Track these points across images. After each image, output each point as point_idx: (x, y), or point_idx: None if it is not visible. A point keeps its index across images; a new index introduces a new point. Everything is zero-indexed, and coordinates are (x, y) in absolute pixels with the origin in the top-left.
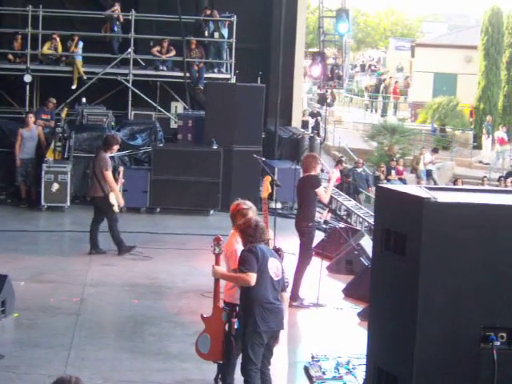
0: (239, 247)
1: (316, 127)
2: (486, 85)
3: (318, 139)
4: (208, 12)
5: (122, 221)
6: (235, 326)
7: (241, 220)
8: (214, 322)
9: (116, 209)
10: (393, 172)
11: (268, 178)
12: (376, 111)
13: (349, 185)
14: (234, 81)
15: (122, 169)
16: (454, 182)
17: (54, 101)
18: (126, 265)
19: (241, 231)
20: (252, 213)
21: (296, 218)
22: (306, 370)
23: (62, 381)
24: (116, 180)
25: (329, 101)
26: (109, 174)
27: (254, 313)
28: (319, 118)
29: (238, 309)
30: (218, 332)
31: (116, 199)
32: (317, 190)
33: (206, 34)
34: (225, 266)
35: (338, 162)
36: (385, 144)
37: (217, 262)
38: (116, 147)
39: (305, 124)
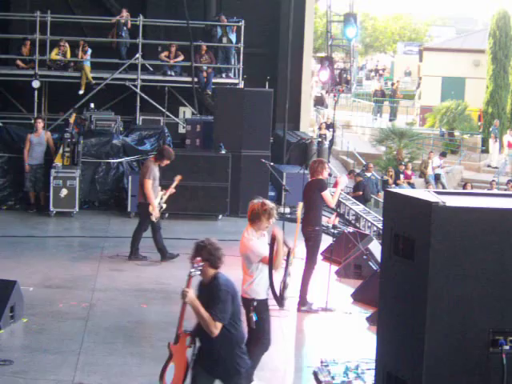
0: (254, 242)
1: (332, 140)
2: (494, 89)
3: (326, 144)
4: (222, 18)
5: (131, 226)
6: (254, 319)
7: (266, 219)
8: (180, 349)
9: (154, 218)
10: (401, 176)
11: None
12: (381, 116)
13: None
14: (242, 86)
15: (178, 178)
16: (464, 187)
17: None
18: (135, 270)
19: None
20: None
21: (302, 222)
22: (315, 374)
23: None
24: (167, 188)
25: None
26: (148, 183)
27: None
28: (331, 129)
29: (255, 303)
30: (182, 360)
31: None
32: (323, 194)
33: (214, 39)
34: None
35: (351, 172)
36: (393, 148)
37: (188, 285)
38: (166, 162)
39: (322, 137)
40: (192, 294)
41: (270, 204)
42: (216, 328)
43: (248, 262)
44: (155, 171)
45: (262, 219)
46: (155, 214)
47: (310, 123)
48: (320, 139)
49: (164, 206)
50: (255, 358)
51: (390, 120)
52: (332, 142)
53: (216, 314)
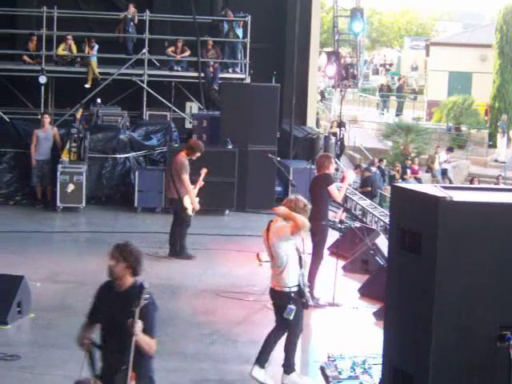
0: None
1: (342, 139)
2: (501, 83)
3: (333, 139)
4: (228, 12)
5: (138, 221)
6: (292, 310)
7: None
8: None
9: (189, 212)
10: (408, 171)
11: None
12: (388, 110)
13: (367, 193)
14: (248, 81)
15: (204, 171)
16: (471, 181)
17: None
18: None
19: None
20: None
21: (309, 217)
22: (322, 369)
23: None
24: (195, 182)
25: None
26: (186, 178)
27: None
28: (344, 129)
29: (292, 294)
30: None
31: (190, 203)
32: (329, 188)
33: (222, 33)
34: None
35: (357, 166)
36: (400, 143)
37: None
38: (198, 154)
39: (333, 135)
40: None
41: (307, 203)
42: (154, 347)
43: (278, 250)
44: (188, 166)
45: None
46: (195, 206)
47: (316, 118)
48: (327, 134)
49: (197, 199)
50: (294, 347)
51: (397, 115)
52: (343, 141)
53: (154, 334)
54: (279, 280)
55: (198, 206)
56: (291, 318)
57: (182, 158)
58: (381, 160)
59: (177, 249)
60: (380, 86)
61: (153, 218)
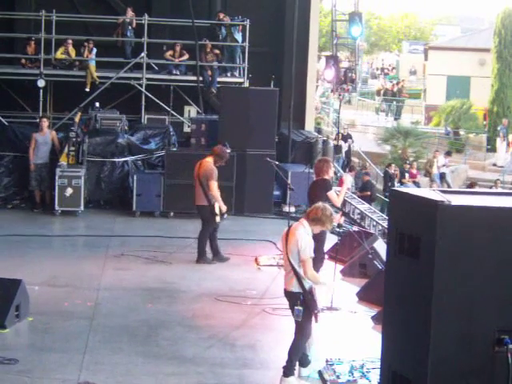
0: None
1: (348, 153)
2: (500, 87)
3: (332, 143)
4: (221, 16)
5: (136, 225)
6: (300, 312)
7: (329, 224)
8: None
9: (218, 219)
10: (406, 175)
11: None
12: (387, 115)
13: (367, 197)
14: (247, 85)
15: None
16: (470, 186)
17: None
18: (140, 269)
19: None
20: None
21: None
22: (320, 373)
23: None
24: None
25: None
26: (214, 185)
27: None
28: (350, 140)
29: (302, 297)
30: None
31: (219, 209)
32: (328, 194)
33: (220, 37)
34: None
35: (352, 168)
36: (398, 147)
37: None
38: (224, 161)
39: (338, 149)
40: None
41: (333, 212)
42: None
43: (293, 253)
44: (217, 172)
45: (326, 225)
46: (223, 208)
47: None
48: (325, 138)
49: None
50: (297, 351)
51: (395, 119)
52: (349, 154)
53: None
54: (291, 282)
55: (225, 208)
56: (299, 319)
57: (210, 164)
58: (389, 165)
59: (219, 252)
60: (384, 91)
61: (153, 221)
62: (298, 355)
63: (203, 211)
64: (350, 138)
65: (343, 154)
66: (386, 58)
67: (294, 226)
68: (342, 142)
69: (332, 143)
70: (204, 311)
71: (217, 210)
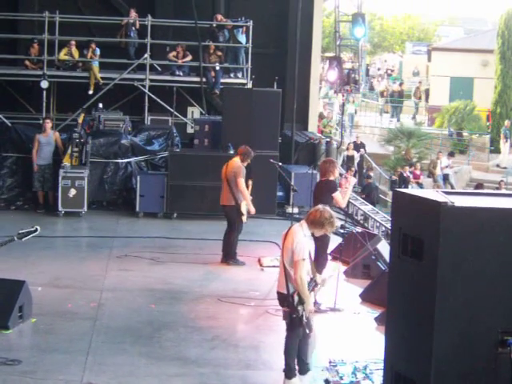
0: (301, 239)
1: (361, 162)
2: (503, 88)
3: (335, 143)
4: (219, 18)
5: (139, 226)
6: (300, 313)
7: (330, 228)
8: None
9: (245, 219)
10: (410, 176)
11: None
12: (392, 116)
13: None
14: (250, 86)
15: (249, 182)
16: (477, 187)
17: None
18: (143, 270)
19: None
20: None
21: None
22: (327, 382)
23: None
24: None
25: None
26: (242, 182)
27: None
28: (363, 150)
29: (291, 299)
30: None
31: (246, 208)
32: (334, 195)
33: (221, 39)
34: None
35: (349, 168)
36: (402, 148)
37: None
38: (250, 159)
39: (350, 159)
40: None
41: (334, 215)
42: None
43: (288, 254)
44: (244, 171)
45: (325, 228)
46: (251, 209)
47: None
48: (328, 139)
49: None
50: (291, 351)
51: (398, 120)
52: (362, 164)
53: None
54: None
55: (253, 210)
56: (287, 320)
57: (238, 163)
58: (403, 167)
59: (233, 255)
60: (391, 92)
61: (156, 222)
62: (291, 356)
63: (230, 211)
64: (363, 147)
65: (355, 166)
66: (388, 59)
67: (292, 227)
68: (354, 152)
69: (335, 144)
70: (207, 312)
71: (243, 210)
